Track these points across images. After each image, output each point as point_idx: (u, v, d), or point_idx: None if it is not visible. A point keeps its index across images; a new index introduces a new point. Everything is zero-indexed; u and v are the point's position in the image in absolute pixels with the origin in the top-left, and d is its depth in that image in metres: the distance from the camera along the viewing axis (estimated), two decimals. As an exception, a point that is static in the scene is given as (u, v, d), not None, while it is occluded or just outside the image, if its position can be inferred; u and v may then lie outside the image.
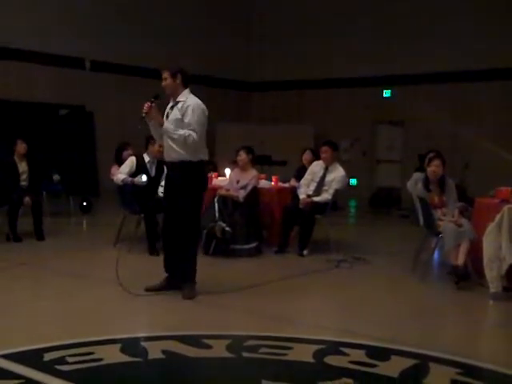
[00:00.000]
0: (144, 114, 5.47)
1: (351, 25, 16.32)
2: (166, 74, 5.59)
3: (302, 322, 5.27)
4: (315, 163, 8.39)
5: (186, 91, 5.65)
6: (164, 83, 5.61)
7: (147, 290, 5.77)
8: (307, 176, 8.28)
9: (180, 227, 5.64)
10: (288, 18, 17.39)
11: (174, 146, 5.56)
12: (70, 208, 11.23)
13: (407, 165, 14.33)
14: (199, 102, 5.62)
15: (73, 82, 14.29)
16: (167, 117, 5.60)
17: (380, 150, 16.90)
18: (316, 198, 7.99)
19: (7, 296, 5.81)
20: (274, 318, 5.26)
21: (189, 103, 5.58)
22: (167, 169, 5.91)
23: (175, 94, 5.63)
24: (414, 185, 6.84)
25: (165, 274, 5.86)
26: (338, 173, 8.14)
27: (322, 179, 8.13)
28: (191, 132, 5.47)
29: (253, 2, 18.14)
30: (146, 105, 5.47)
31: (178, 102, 5.61)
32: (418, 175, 6.95)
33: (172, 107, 5.64)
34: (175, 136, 5.48)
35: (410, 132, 15.96)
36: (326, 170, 8.16)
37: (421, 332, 4.99)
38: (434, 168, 6.75)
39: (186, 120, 5.52)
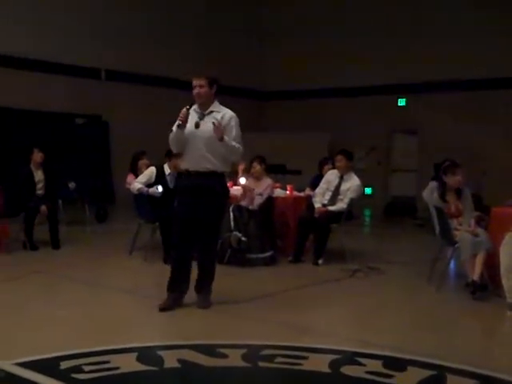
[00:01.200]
0: (181, 122, 5.45)
1: (366, 34, 16.31)
2: (203, 82, 5.51)
3: (318, 331, 5.25)
4: (330, 172, 8.37)
5: (217, 102, 5.66)
6: (199, 90, 5.51)
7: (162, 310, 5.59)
8: (322, 185, 8.27)
9: (203, 237, 5.62)
10: (303, 27, 17.41)
11: (210, 156, 5.50)
12: (86, 216, 11.29)
13: (423, 174, 14.26)
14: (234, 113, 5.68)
15: (89, 92, 14.38)
16: (197, 126, 5.51)
17: (395, 159, 16.85)
18: (331, 208, 7.98)
19: (23, 304, 5.84)
20: (289, 327, 5.24)
21: (230, 115, 5.61)
22: (190, 178, 5.60)
23: (207, 104, 5.59)
24: (430, 194, 6.81)
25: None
26: (353, 182, 8.12)
27: (337, 188, 8.11)
28: (240, 145, 5.57)
29: (267, 11, 18.19)
30: (183, 113, 5.45)
31: (211, 112, 5.58)
32: (434, 184, 6.91)
33: (203, 116, 5.58)
34: (233, 148, 5.50)
35: (425, 141, 15.90)
36: (341, 178, 8.15)
37: (437, 342, 4.95)
38: (459, 177, 6.70)
39: (233, 133, 5.54)
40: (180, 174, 5.97)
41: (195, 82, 5.56)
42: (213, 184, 5.56)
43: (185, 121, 5.45)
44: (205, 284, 5.71)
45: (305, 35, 17.31)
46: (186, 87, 6.15)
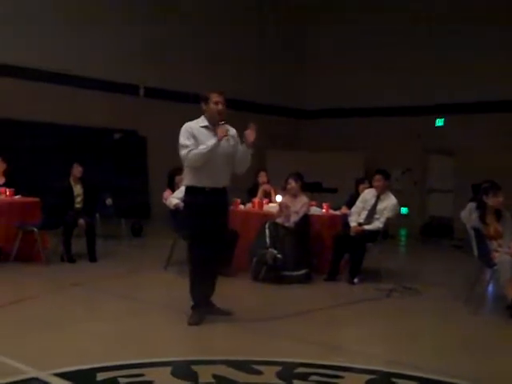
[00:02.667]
0: (225, 138, 5.52)
1: (404, 54, 16.26)
2: (224, 99, 5.61)
3: (352, 350, 5.20)
4: (367, 191, 8.34)
5: None
6: (223, 107, 5.58)
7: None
8: (358, 204, 8.23)
9: (223, 251, 5.80)
10: (339, 46, 17.43)
11: (228, 170, 5.65)
12: (122, 230, 11.41)
13: (459, 194, 14.09)
14: None
15: (127, 108, 14.57)
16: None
17: (432, 179, 16.68)
18: (367, 227, 7.94)
19: (61, 315, 5.91)
20: (324, 346, 5.21)
21: (234, 131, 5.72)
22: (207, 196, 5.57)
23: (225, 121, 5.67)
24: (469, 215, 6.74)
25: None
26: (389, 201, 8.07)
27: (373, 207, 8.07)
28: None
29: (304, 30, 18.27)
30: (224, 130, 5.50)
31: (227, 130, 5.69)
32: (472, 205, 6.84)
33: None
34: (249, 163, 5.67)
35: (462, 161, 15.71)
36: (378, 198, 8.10)
37: (475, 366, 4.86)
38: (500, 199, 6.63)
39: (242, 148, 5.66)
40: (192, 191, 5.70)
41: (220, 99, 5.59)
42: (226, 200, 5.76)
43: (227, 136, 5.53)
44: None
45: (343, 54, 17.32)
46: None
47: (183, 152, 5.53)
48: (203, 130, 5.62)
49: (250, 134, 5.52)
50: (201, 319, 5.62)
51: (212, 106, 5.60)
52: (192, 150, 5.49)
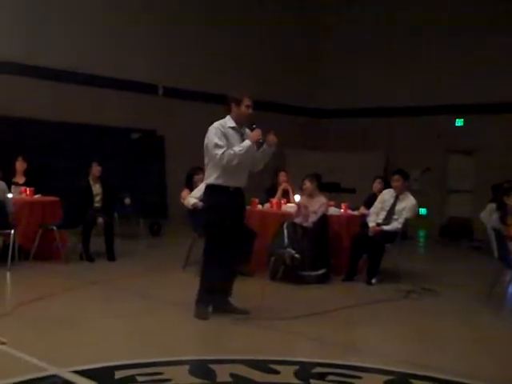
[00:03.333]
0: (261, 140, 5.64)
1: (423, 53, 16.18)
2: (252, 103, 5.72)
3: (370, 351, 5.18)
4: (386, 191, 8.30)
5: None
6: (252, 111, 5.71)
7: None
8: (377, 204, 8.20)
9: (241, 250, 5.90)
10: (357, 45, 17.37)
11: (248, 171, 5.76)
12: (140, 230, 11.45)
13: (479, 195, 13.98)
14: None
15: (145, 107, 14.62)
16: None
17: (451, 180, 16.55)
18: (386, 227, 7.90)
19: (80, 314, 5.96)
20: (341, 346, 5.20)
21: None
22: (231, 195, 5.71)
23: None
24: (489, 216, 6.70)
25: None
26: (408, 201, 8.03)
27: (392, 208, 8.03)
28: None
29: (320, 28, 18.22)
30: (259, 133, 5.62)
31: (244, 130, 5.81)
32: (492, 206, 6.79)
33: (242, 135, 5.76)
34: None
35: (482, 161, 15.58)
36: (397, 198, 8.06)
37: (495, 367, 4.82)
38: None
39: (265, 149, 5.74)
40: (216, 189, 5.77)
41: (251, 103, 5.72)
42: (244, 200, 5.88)
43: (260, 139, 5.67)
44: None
45: (359, 53, 17.27)
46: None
47: (218, 152, 5.58)
48: (230, 130, 5.72)
49: (273, 138, 5.65)
50: (207, 314, 5.72)
51: (243, 108, 5.71)
52: (227, 150, 5.57)
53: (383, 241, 7.80)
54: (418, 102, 16.21)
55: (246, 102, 5.69)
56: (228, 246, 5.68)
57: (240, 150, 5.57)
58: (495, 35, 15.07)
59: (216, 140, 5.61)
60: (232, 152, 5.56)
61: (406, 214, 7.93)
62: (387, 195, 8.18)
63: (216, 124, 5.73)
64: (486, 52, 15.22)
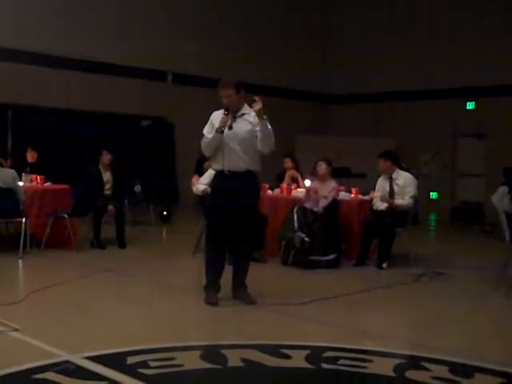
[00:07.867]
0: (223, 128, 5.59)
1: (433, 36, 16.06)
2: (230, 91, 5.63)
3: (381, 334, 5.18)
4: (380, 178, 8.25)
5: (246, 104, 5.77)
6: (228, 100, 5.62)
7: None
8: (377, 193, 8.15)
9: (239, 235, 5.80)
10: (366, 30, 17.27)
11: (245, 155, 5.67)
12: (151, 217, 11.48)
13: (491, 178, 13.91)
14: None
15: (155, 94, 14.64)
16: (230, 128, 5.62)
17: (462, 164, 16.48)
18: (398, 201, 7.85)
19: (92, 301, 5.99)
20: (352, 330, 5.20)
21: (253, 114, 5.69)
22: (226, 179, 5.71)
23: (238, 107, 5.72)
24: (501, 199, 6.64)
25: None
26: (404, 177, 7.99)
27: (391, 190, 7.99)
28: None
29: (330, 14, 18.12)
30: (224, 119, 5.58)
31: (243, 114, 5.72)
32: (504, 189, 6.74)
33: (235, 119, 5.69)
34: (270, 132, 5.62)
35: (493, 145, 15.49)
36: (391, 179, 8.02)
37: (506, 350, 4.81)
38: None
39: (260, 123, 5.66)
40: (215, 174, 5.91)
41: (222, 93, 5.67)
42: (248, 184, 5.73)
43: (225, 126, 5.59)
44: (244, 281, 5.88)
45: (370, 38, 17.17)
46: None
47: (202, 141, 5.77)
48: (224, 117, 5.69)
49: (257, 104, 5.55)
50: (215, 298, 5.72)
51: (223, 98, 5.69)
52: (204, 138, 5.73)
53: (394, 225, 7.78)
54: (429, 85, 16.11)
55: (220, 92, 5.68)
56: (226, 228, 5.71)
57: (205, 138, 5.69)
58: (505, 19, 14.96)
59: (205, 129, 5.76)
60: (203, 140, 5.72)
61: (409, 191, 7.87)
62: (382, 181, 8.13)
63: (215, 112, 5.82)
64: (497, 36, 15.09)
